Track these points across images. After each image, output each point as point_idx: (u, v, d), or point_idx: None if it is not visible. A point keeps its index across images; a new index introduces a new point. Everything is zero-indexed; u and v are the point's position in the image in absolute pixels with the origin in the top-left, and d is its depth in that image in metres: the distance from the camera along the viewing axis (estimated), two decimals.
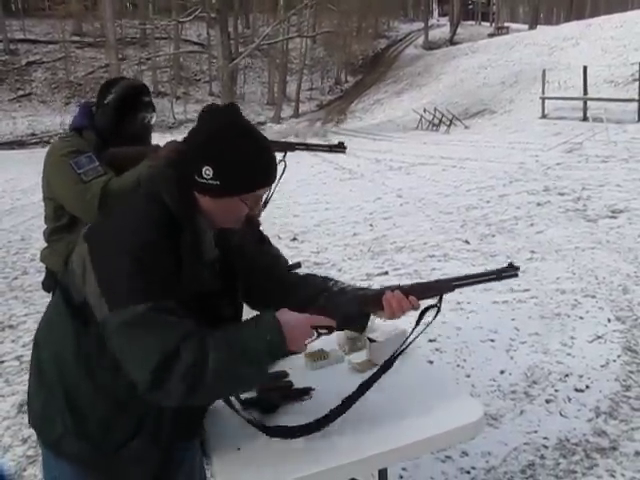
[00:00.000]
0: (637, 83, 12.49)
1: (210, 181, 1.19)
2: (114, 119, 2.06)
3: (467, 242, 5.87)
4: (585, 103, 13.48)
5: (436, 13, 51.78)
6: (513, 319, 3.81)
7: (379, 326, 2.05)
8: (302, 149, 2.12)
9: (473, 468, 2.32)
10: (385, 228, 6.65)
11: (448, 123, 17.83)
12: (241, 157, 1.20)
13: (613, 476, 2.25)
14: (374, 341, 1.80)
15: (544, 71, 15.56)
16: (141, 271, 1.11)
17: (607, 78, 14.84)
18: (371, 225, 6.84)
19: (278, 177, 1.48)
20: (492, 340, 3.54)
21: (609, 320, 3.65)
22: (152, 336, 1.09)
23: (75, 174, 1.98)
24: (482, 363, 3.24)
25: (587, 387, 2.89)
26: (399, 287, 1.38)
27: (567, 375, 3.02)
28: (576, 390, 2.87)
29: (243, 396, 1.58)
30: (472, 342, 3.52)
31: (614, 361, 3.14)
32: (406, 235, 6.29)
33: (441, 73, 28.70)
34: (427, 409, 1.51)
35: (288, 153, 1.92)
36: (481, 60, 26.31)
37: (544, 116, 14.81)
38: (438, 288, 1.38)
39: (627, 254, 4.85)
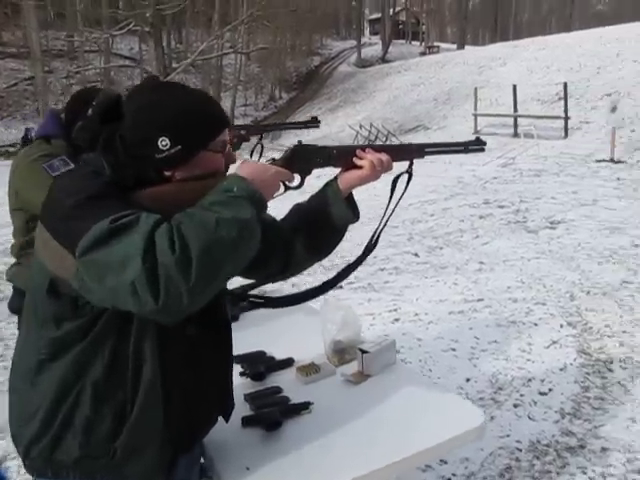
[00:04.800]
0: (562, 102, 13.20)
1: (172, 149, 1.12)
2: (97, 131, 2.01)
3: (416, 255, 6.00)
4: (516, 120, 14.11)
5: (367, 32, 53.02)
6: (471, 328, 3.93)
7: (368, 337, 2.08)
8: (278, 129, 2.14)
9: (454, 475, 2.37)
10: None
11: (384, 139, 18.22)
12: (189, 110, 1.15)
13: (585, 472, 2.35)
14: (366, 352, 1.82)
15: (476, 89, 16.19)
16: (93, 204, 1.04)
17: (534, 96, 15.61)
18: None
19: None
20: (454, 349, 3.63)
21: (561, 326, 3.82)
22: (124, 239, 0.97)
23: (50, 177, 1.88)
24: (447, 372, 3.31)
25: (550, 390, 3.01)
26: (369, 145, 1.35)
27: (530, 380, 3.14)
28: (540, 394, 2.99)
29: (242, 414, 1.57)
30: (435, 352, 3.60)
31: (571, 364, 3.29)
32: (355, 249, 6.34)
33: (375, 90, 29.33)
34: (429, 418, 1.55)
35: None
36: (413, 78, 27.09)
37: (477, 132, 15.37)
38: (409, 152, 1.37)
39: (570, 263, 5.10)
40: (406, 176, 1.39)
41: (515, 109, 14.52)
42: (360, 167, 1.33)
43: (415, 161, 1.38)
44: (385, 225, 1.40)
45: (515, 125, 14.06)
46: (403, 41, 44.12)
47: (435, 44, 40.71)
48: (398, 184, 1.39)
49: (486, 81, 19.03)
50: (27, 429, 1.16)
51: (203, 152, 1.16)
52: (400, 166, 1.42)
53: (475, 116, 15.71)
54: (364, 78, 33.68)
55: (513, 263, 5.27)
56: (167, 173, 1.16)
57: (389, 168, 1.35)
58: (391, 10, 41.17)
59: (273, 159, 1.28)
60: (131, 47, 36.40)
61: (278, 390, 1.75)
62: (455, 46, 38.30)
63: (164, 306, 0.96)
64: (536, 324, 3.90)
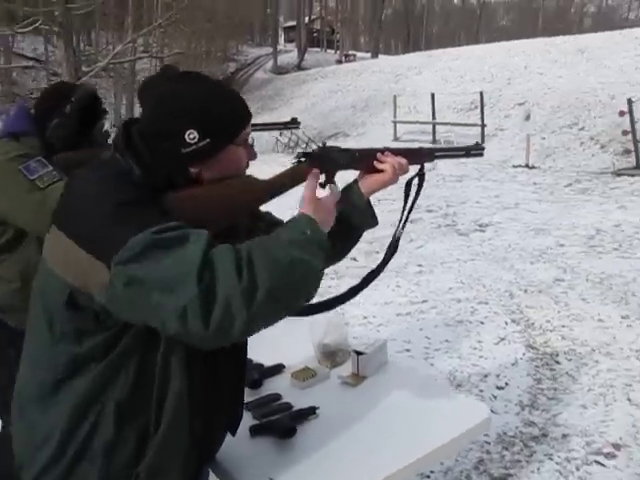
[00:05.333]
0: (477, 110, 13.84)
1: (199, 143, 1.05)
2: (76, 129, 1.89)
3: (355, 259, 6.09)
4: (434, 127, 14.64)
5: (282, 39, 53.29)
6: (421, 329, 4.03)
7: (359, 338, 2.10)
8: (256, 130, 2.01)
9: (432, 472, 2.42)
10: None
11: (304, 146, 18.36)
12: (216, 100, 1.09)
13: (551, 459, 2.49)
14: (362, 353, 1.83)
15: (395, 97, 16.66)
16: (131, 210, 0.97)
17: (450, 105, 16.25)
18: None
19: None
20: (408, 350, 3.71)
21: (506, 323, 4.01)
22: (173, 255, 0.90)
23: (27, 181, 1.73)
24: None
25: (506, 384, 3.15)
26: (387, 149, 1.36)
27: (486, 376, 3.27)
28: (498, 388, 3.12)
29: (250, 424, 1.53)
30: (390, 354, 3.66)
31: (521, 359, 3.46)
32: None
33: (292, 97, 29.48)
34: (436, 416, 1.57)
35: None
36: (331, 85, 27.46)
37: (396, 139, 15.82)
38: (421, 155, 1.41)
39: (503, 263, 5.35)
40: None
41: (433, 117, 15.06)
42: (380, 170, 1.34)
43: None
44: (404, 228, 1.42)
45: (434, 132, 14.59)
46: (318, 49, 44.74)
47: (351, 52, 41.57)
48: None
49: (403, 89, 19.61)
50: (37, 457, 1.06)
51: (230, 146, 1.11)
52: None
53: (395, 123, 16.15)
54: (281, 85, 33.79)
55: (450, 265, 5.47)
56: (193, 170, 1.09)
57: (406, 171, 1.37)
58: (306, 18, 41.65)
59: (299, 160, 1.26)
60: (35, 47, 34.58)
61: (278, 397, 1.73)
62: (369, 55, 39.24)
63: (213, 334, 0.89)
64: (482, 322, 4.06)
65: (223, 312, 0.88)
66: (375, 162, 1.34)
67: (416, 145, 1.47)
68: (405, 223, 1.42)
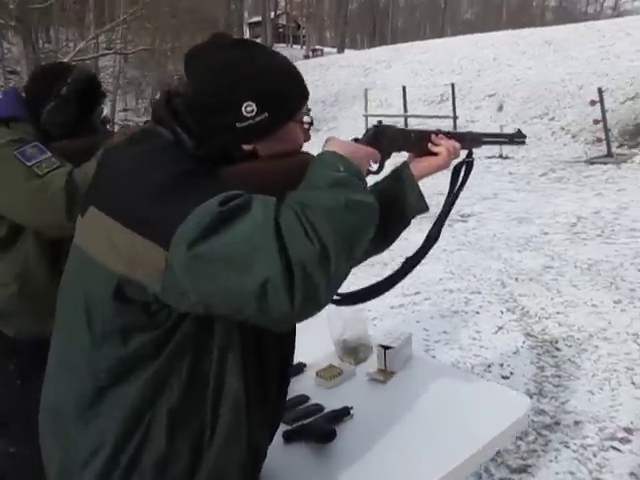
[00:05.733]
0: (448, 102, 13.91)
1: (257, 117, 0.95)
2: (74, 114, 1.71)
3: None
4: (406, 120, 14.67)
5: (247, 35, 52.82)
6: (418, 321, 4.00)
7: (384, 332, 2.03)
8: None
9: None
10: None
11: None
12: (277, 72, 0.99)
13: (567, 447, 2.47)
14: (389, 348, 1.77)
15: (366, 90, 16.64)
16: (188, 181, 0.86)
17: (421, 97, 16.32)
18: None
19: None
20: None
21: (502, 312, 4.00)
22: (243, 226, 0.80)
23: (25, 168, 1.53)
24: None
25: (511, 374, 3.14)
26: (439, 131, 1.29)
27: (489, 365, 3.25)
28: (503, 377, 3.10)
29: (283, 429, 1.44)
30: None
31: (522, 347, 3.46)
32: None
33: None
34: (478, 411, 1.50)
35: None
36: None
37: None
38: (470, 140, 1.35)
39: (491, 252, 5.36)
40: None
41: (405, 109, 15.09)
42: (434, 154, 1.27)
43: None
44: (447, 216, 1.36)
45: (406, 125, 14.60)
46: (284, 45, 44.44)
47: (318, 47, 41.42)
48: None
49: (373, 83, 19.61)
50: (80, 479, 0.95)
51: (289, 123, 1.00)
52: None
53: (366, 117, 16.13)
54: None
55: (438, 256, 5.44)
56: (246, 147, 0.98)
57: (458, 156, 1.30)
58: (272, 14, 41.38)
59: (356, 138, 1.18)
60: None
61: (305, 398, 1.65)
62: (335, 50, 39.19)
63: (300, 308, 0.79)
64: (478, 312, 4.05)
65: (306, 282, 0.78)
66: (430, 144, 1.27)
67: None
68: (449, 211, 1.35)
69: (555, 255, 5.08)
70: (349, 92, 20.57)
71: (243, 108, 0.94)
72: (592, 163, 9.37)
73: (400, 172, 1.29)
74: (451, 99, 13.25)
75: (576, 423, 2.63)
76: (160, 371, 0.92)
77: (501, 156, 10.97)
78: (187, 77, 1.00)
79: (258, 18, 44.84)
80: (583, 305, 4.00)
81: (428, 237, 1.39)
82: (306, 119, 1.04)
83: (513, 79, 14.85)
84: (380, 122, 1.26)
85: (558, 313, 3.91)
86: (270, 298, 0.78)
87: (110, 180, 0.94)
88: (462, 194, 1.36)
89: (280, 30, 45.26)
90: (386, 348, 1.77)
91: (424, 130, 1.29)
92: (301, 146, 1.06)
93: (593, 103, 9.69)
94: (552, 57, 15.32)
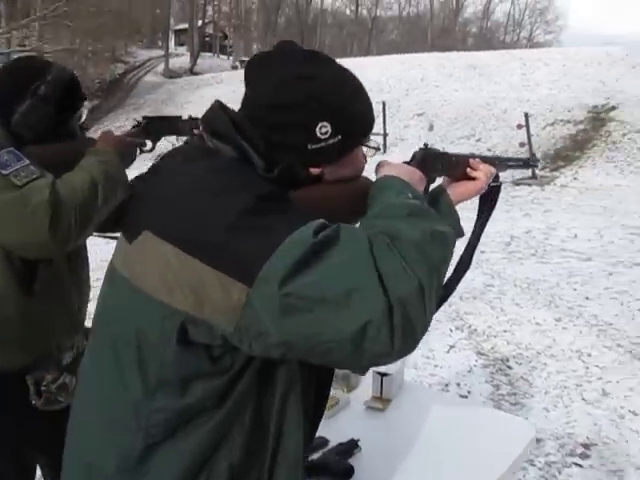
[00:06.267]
0: (379, 119, 14.20)
1: (330, 140, 0.87)
2: (52, 116, 1.48)
3: None
4: None
5: (173, 42, 51.88)
6: None
7: None
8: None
9: None
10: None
11: None
12: (354, 94, 0.92)
13: (533, 464, 2.56)
14: (386, 375, 1.75)
15: None
16: (269, 208, 0.78)
17: None
18: None
19: None
20: None
21: (451, 330, 4.08)
22: (338, 259, 0.73)
23: (1, 178, 1.27)
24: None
25: (469, 392, 3.19)
26: (475, 156, 1.25)
27: (447, 385, 3.29)
28: (461, 396, 3.15)
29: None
30: None
31: (475, 366, 3.53)
32: None
33: (186, 102, 28.73)
34: (486, 440, 1.49)
35: None
36: (227, 91, 26.99)
37: None
38: (498, 165, 1.31)
39: None
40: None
41: None
42: (471, 178, 1.25)
43: None
44: (479, 240, 1.34)
45: None
46: (211, 54, 43.99)
47: (247, 59, 41.24)
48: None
49: None
50: None
51: (358, 148, 0.94)
52: None
53: None
54: (174, 89, 32.89)
55: None
56: (314, 170, 0.90)
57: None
58: (199, 22, 40.84)
59: (406, 162, 1.14)
60: None
61: None
62: None
63: (399, 350, 0.73)
64: (428, 330, 4.09)
65: (405, 320, 0.72)
66: (468, 169, 1.25)
67: None
68: (480, 236, 1.34)
69: (495, 274, 5.26)
70: None
71: (317, 129, 0.86)
72: (518, 184, 9.83)
73: (438, 196, 1.26)
74: (382, 116, 13.53)
75: (538, 441, 2.70)
76: (222, 423, 0.84)
77: None
78: (248, 87, 0.92)
79: (185, 25, 44.20)
80: (527, 323, 4.15)
81: (460, 262, 1.36)
82: (373, 144, 0.98)
83: (441, 100, 15.39)
84: (426, 145, 1.23)
85: (505, 331, 4.04)
86: (368, 340, 0.71)
87: (170, 202, 0.83)
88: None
89: (207, 39, 44.74)
90: (383, 375, 1.74)
91: (462, 154, 1.27)
92: (362, 171, 1.00)
93: (520, 127, 10.19)
94: (477, 81, 16.01)
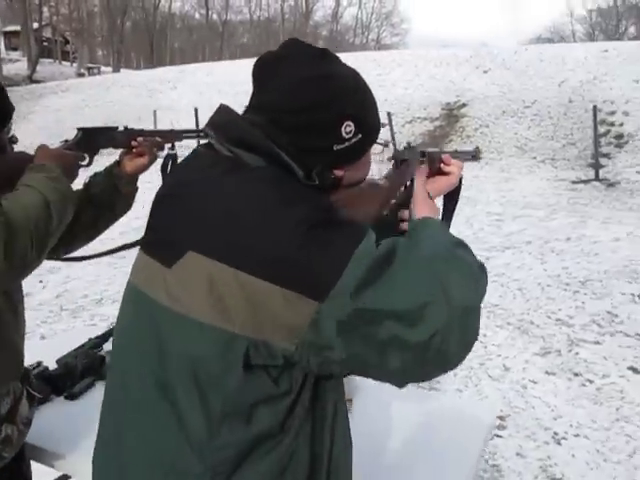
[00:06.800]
0: None
1: (353, 139, 0.85)
2: None
3: None
4: (198, 142, 14.57)
5: (2, 46, 47.70)
6: None
7: None
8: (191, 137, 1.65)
9: None
10: (62, 283, 5.81)
11: None
12: (365, 88, 0.90)
13: None
14: (346, 375, 1.75)
15: (155, 111, 16.21)
16: (330, 219, 0.76)
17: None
18: (41, 281, 5.84)
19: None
20: None
21: None
22: (402, 270, 0.72)
23: None
24: None
25: None
26: (443, 151, 1.24)
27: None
28: None
29: None
30: None
31: None
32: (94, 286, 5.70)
33: (30, 112, 26.62)
34: (458, 426, 1.54)
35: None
36: (76, 100, 25.54)
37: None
38: (462, 159, 1.32)
39: None
40: None
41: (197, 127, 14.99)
42: (445, 173, 1.27)
43: None
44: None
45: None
46: (52, 60, 41.09)
47: (93, 65, 39.07)
48: None
49: (159, 104, 19.15)
50: None
51: (370, 147, 0.92)
52: None
53: None
54: (13, 98, 29.37)
55: None
56: (339, 173, 0.86)
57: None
58: (34, 24, 37.90)
59: (395, 161, 1.14)
60: None
61: None
62: (110, 69, 37.43)
63: (457, 361, 0.72)
64: None
65: (464, 328, 0.71)
66: (442, 165, 1.27)
67: None
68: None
69: None
70: (134, 113, 19.78)
71: (342, 128, 0.84)
72: None
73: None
74: None
75: None
76: (289, 445, 0.80)
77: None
78: (262, 90, 0.86)
79: (16, 27, 40.82)
80: None
81: None
82: (381, 141, 0.97)
83: None
84: (409, 144, 1.24)
85: None
86: (432, 351, 0.70)
87: (215, 220, 0.77)
88: None
89: (45, 44, 41.69)
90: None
91: (435, 150, 1.30)
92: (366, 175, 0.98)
93: (383, 125, 10.67)
94: None
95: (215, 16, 42.16)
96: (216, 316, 0.74)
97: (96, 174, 1.48)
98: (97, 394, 1.69)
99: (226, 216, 0.77)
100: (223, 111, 0.88)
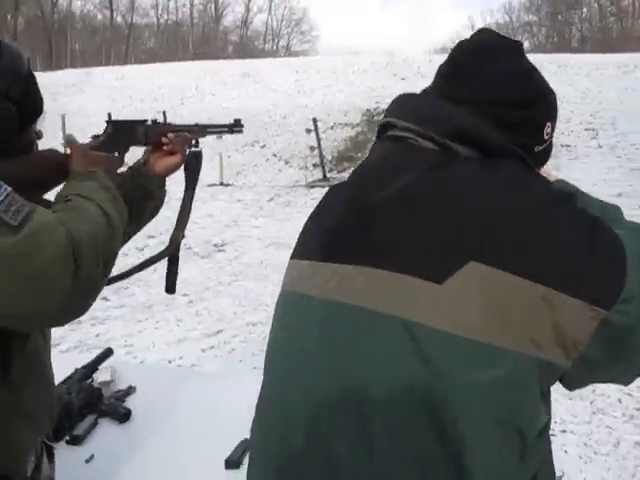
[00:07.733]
0: None
1: (548, 141, 0.84)
2: (18, 121, 1.02)
3: (106, 299, 5.47)
4: None
5: None
6: (241, 360, 3.86)
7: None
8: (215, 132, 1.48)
9: None
10: None
11: None
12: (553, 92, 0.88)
13: None
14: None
15: (63, 116, 15.39)
16: (596, 222, 0.75)
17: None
18: None
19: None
20: None
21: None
22: None
23: None
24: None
25: None
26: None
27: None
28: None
29: None
30: None
31: None
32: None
33: None
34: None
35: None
36: None
37: None
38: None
39: (268, 279, 5.44)
40: None
41: None
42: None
43: None
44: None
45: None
46: None
47: None
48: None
49: (65, 108, 18.17)
50: None
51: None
52: None
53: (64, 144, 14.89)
54: None
55: (217, 289, 5.34)
56: None
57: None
58: None
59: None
60: None
61: None
62: None
63: None
64: None
65: None
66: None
67: None
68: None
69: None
70: None
71: (545, 129, 0.82)
72: (312, 187, 10.32)
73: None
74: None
75: None
76: (546, 457, 0.76)
77: (222, 183, 11.25)
78: (466, 81, 0.81)
79: None
80: None
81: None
82: None
83: (219, 107, 15.40)
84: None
85: None
86: None
87: (492, 226, 0.69)
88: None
89: None
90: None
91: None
92: None
93: (309, 131, 10.70)
94: (253, 88, 16.38)
95: (120, 18, 40.62)
96: (507, 337, 0.66)
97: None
98: (103, 436, 1.54)
99: (498, 221, 0.69)
100: (425, 102, 0.84)
